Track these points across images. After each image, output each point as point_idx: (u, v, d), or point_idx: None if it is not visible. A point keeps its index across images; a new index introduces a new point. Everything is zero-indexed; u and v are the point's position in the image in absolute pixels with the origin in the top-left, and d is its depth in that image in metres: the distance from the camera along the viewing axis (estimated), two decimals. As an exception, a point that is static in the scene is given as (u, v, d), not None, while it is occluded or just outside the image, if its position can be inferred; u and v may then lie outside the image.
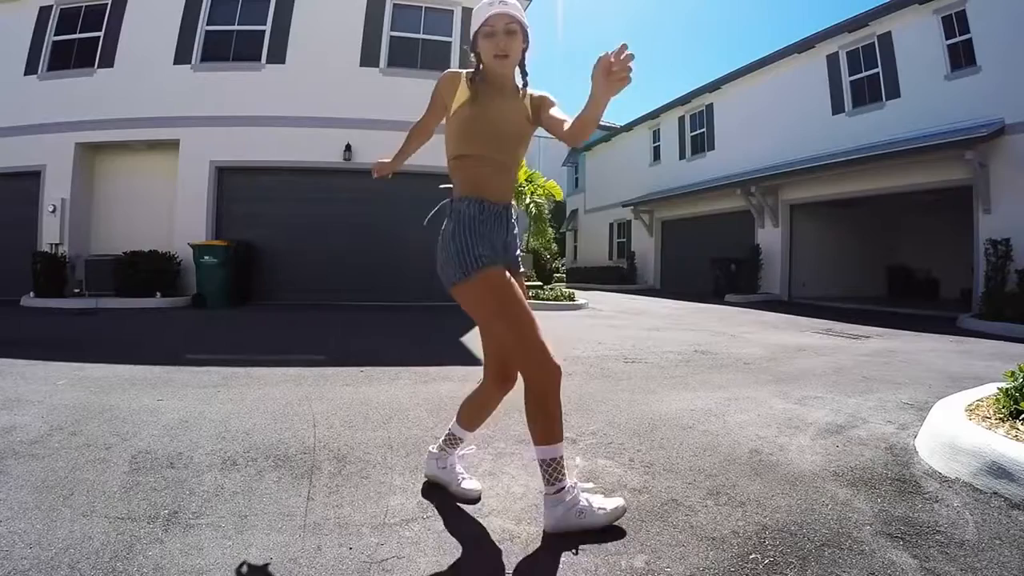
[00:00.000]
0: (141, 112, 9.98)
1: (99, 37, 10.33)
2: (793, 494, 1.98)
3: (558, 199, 18.43)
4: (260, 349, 5.22)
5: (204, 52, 10.33)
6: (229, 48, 10.43)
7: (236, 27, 10.44)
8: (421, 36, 10.88)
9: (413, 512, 1.81)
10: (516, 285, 1.78)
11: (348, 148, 10.29)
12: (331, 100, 10.33)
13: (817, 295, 13.55)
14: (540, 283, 13.78)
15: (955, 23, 10.48)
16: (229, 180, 10.41)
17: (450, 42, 10.76)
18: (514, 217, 1.89)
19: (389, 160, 2.10)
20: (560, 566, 1.50)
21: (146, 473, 2.06)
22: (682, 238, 18.34)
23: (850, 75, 12.82)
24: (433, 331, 6.75)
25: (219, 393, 3.34)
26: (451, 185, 1.85)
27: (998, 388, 2.56)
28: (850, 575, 1.45)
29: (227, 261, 9.25)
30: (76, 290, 9.67)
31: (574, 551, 1.57)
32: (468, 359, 4.79)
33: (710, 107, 17.54)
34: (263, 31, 10.42)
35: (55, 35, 10.45)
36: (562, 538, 1.64)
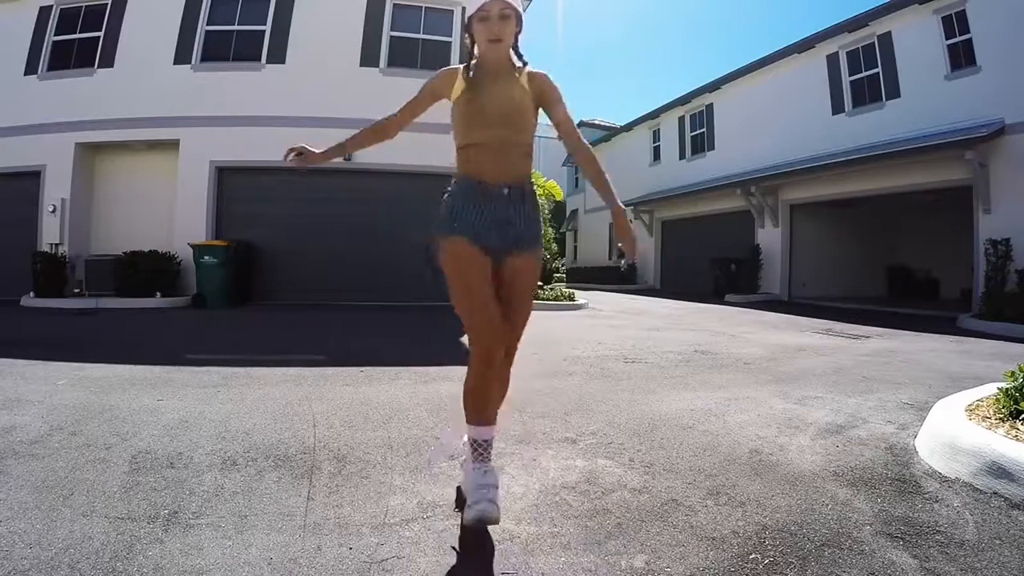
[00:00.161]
0: (141, 112, 9.97)
1: (99, 37, 10.33)
2: (793, 494, 1.98)
3: (558, 199, 18.45)
4: (260, 349, 5.22)
5: (204, 52, 10.33)
6: (229, 48, 10.43)
7: (236, 27, 10.44)
8: (421, 36, 10.88)
9: (413, 512, 1.81)
10: (472, 260, 1.76)
11: (348, 148, 10.28)
12: (331, 100, 10.31)
13: (817, 295, 13.55)
14: (540, 283, 13.77)
15: (955, 23, 10.48)
16: (229, 180, 10.40)
17: (450, 42, 10.75)
18: (526, 195, 1.85)
19: (319, 151, 1.98)
20: (560, 566, 1.50)
21: (146, 473, 2.06)
22: (682, 238, 18.34)
23: (850, 75, 12.82)
24: (433, 331, 6.75)
25: (219, 393, 3.34)
26: None
27: (998, 388, 2.56)
28: (850, 575, 1.45)
29: (227, 261, 9.25)
30: (76, 290, 9.67)
31: (574, 551, 1.57)
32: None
33: (710, 107, 17.54)
34: (263, 31, 10.42)
35: (55, 35, 10.45)
36: (563, 539, 1.64)
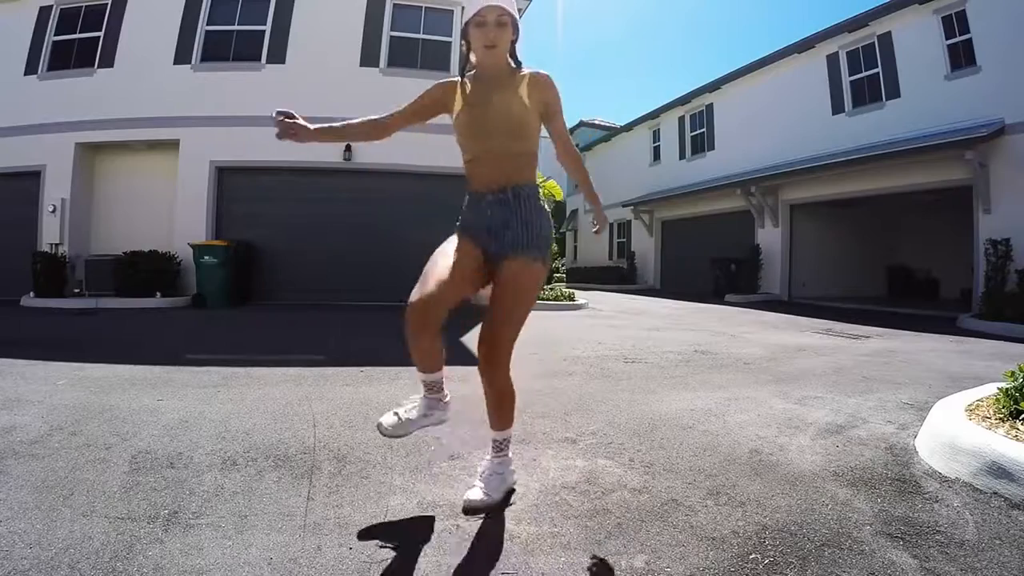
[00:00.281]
0: (141, 112, 9.97)
1: (99, 37, 10.32)
2: (793, 494, 1.98)
3: (558, 199, 18.43)
4: (260, 349, 5.22)
5: (204, 52, 10.33)
6: (229, 48, 10.43)
7: (236, 27, 10.44)
8: (421, 36, 10.89)
9: (413, 512, 1.81)
10: (459, 246, 1.84)
11: (348, 148, 10.29)
12: (331, 100, 10.29)
13: (817, 295, 13.56)
14: (540, 283, 13.77)
15: (955, 23, 10.48)
16: (229, 180, 10.40)
17: (450, 42, 10.76)
18: (522, 199, 1.82)
19: (313, 127, 1.98)
20: (560, 566, 1.50)
21: (146, 473, 2.06)
22: (682, 238, 18.34)
23: (850, 75, 12.82)
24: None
25: (219, 393, 3.34)
26: None
27: (998, 388, 2.56)
28: (850, 575, 1.45)
29: (227, 261, 9.25)
30: (76, 290, 9.67)
31: (574, 551, 1.57)
32: (469, 359, 4.78)
33: (710, 107, 17.54)
34: (263, 31, 10.42)
35: (55, 35, 10.45)
36: (563, 539, 1.64)
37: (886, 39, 11.84)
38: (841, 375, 4.25)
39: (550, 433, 2.69)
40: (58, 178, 10.11)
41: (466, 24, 1.81)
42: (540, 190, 1.93)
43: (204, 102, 10.06)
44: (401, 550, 1.56)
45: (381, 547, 1.58)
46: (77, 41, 10.43)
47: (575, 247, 26.88)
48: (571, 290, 12.66)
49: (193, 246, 9.30)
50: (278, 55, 10.40)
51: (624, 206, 20.40)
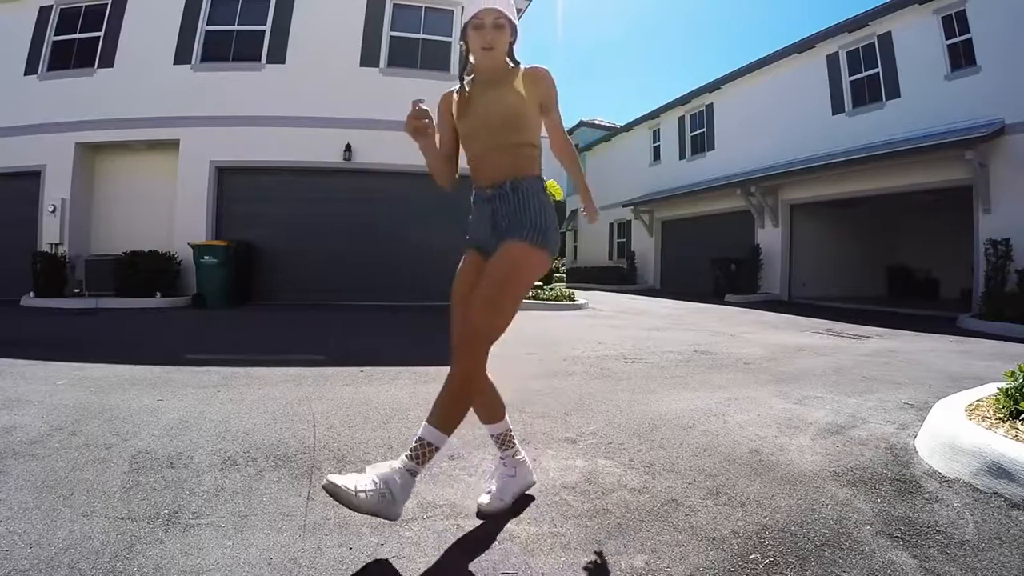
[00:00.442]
0: (141, 112, 9.98)
1: (99, 37, 10.33)
2: (793, 494, 1.98)
3: (558, 199, 18.43)
4: (260, 349, 5.22)
5: (204, 52, 10.33)
6: (229, 48, 10.44)
7: (236, 27, 10.45)
8: (421, 36, 10.89)
9: (413, 512, 1.81)
10: (463, 273, 1.85)
11: (348, 148, 10.29)
12: (331, 100, 10.33)
13: (817, 295, 13.56)
14: (540, 283, 13.77)
15: (955, 23, 10.48)
16: (229, 180, 10.41)
17: (450, 42, 10.75)
18: (519, 191, 1.78)
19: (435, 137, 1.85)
20: (560, 566, 1.50)
21: (146, 473, 2.06)
22: (682, 238, 18.34)
23: (850, 75, 12.82)
24: (433, 331, 6.75)
25: (219, 393, 3.34)
26: None
27: (998, 388, 2.56)
28: (850, 575, 1.45)
29: (227, 261, 9.25)
30: (76, 290, 9.67)
31: (574, 551, 1.57)
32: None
33: (710, 107, 17.55)
34: (263, 31, 10.43)
35: (55, 35, 10.45)
36: (563, 539, 1.64)
37: (886, 39, 11.85)
38: (841, 375, 4.25)
39: (550, 433, 2.69)
40: (58, 178, 10.11)
41: (464, 26, 1.81)
42: (544, 184, 1.88)
43: (204, 102, 10.07)
44: (401, 550, 1.56)
45: (381, 547, 1.58)
46: (77, 41, 10.43)
47: (575, 247, 26.86)
48: (571, 290, 12.66)
49: (193, 246, 9.30)
50: (278, 55, 10.40)
51: (624, 206, 20.39)
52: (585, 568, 1.49)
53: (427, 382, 3.77)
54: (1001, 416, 2.34)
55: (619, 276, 20.23)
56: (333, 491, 1.49)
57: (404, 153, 9.42)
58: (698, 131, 18.21)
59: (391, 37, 10.76)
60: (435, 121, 1.83)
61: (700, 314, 9.69)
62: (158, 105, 9.98)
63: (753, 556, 1.55)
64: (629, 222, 21.19)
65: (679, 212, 18.26)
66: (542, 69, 1.83)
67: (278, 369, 4.11)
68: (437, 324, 7.42)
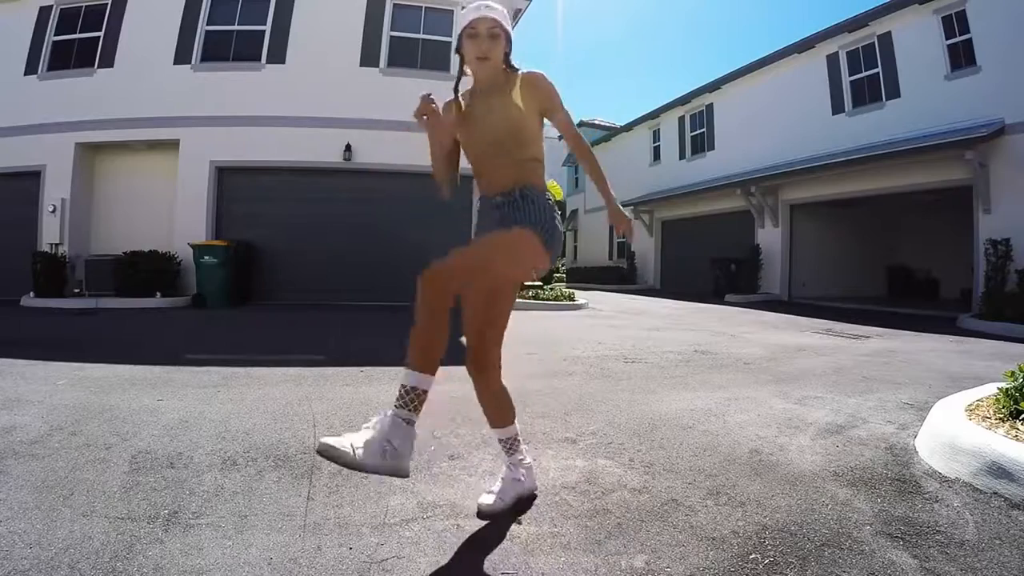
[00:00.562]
0: (141, 112, 9.97)
1: (99, 37, 10.32)
2: (793, 494, 1.98)
3: (558, 199, 18.44)
4: (260, 349, 5.22)
5: (204, 52, 10.33)
6: (229, 48, 10.43)
7: (236, 27, 10.44)
8: (421, 36, 10.88)
9: (413, 512, 1.81)
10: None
11: (348, 148, 10.29)
12: (331, 100, 10.32)
13: (817, 295, 13.55)
14: (540, 283, 13.77)
15: (955, 23, 10.48)
16: (229, 180, 10.40)
17: (450, 42, 10.73)
18: (526, 198, 1.77)
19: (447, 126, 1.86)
20: (560, 566, 1.50)
21: (146, 473, 2.06)
22: (682, 238, 18.34)
23: (850, 75, 12.82)
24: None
25: (219, 393, 3.34)
26: None
27: (998, 388, 2.56)
28: (850, 575, 1.45)
29: (227, 261, 9.25)
30: (76, 290, 9.67)
31: (574, 551, 1.57)
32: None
33: (710, 107, 17.54)
34: (263, 31, 10.42)
35: (55, 35, 10.44)
36: (563, 539, 1.64)
37: (886, 39, 11.84)
38: (841, 375, 4.25)
39: (550, 433, 2.69)
40: (58, 178, 10.11)
41: (460, 36, 1.80)
42: (550, 195, 1.86)
43: (204, 102, 10.06)
44: (401, 550, 1.56)
45: (381, 547, 1.58)
46: (77, 41, 10.42)
47: (575, 247, 26.86)
48: (571, 290, 12.66)
49: (193, 246, 9.30)
50: (278, 55, 10.40)
51: (624, 206, 19.81)
52: (585, 568, 1.49)
53: (427, 382, 3.77)
54: (1001, 416, 2.34)
55: (619, 276, 20.23)
56: (330, 453, 1.37)
57: (404, 153, 9.52)
58: (698, 131, 18.21)
59: (391, 37, 10.75)
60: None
61: (700, 314, 9.69)
62: (158, 105, 9.98)
63: (753, 556, 1.55)
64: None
65: (679, 212, 18.26)
66: (537, 74, 1.80)
67: (278, 369, 4.11)
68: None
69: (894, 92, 11.73)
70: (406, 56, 10.78)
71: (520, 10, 11.72)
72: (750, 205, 14.47)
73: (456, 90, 1.88)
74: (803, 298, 13.46)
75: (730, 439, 2.62)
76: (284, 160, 10.31)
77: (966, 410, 2.49)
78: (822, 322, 8.48)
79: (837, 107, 13.10)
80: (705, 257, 15.31)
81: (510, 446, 1.92)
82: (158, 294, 9.26)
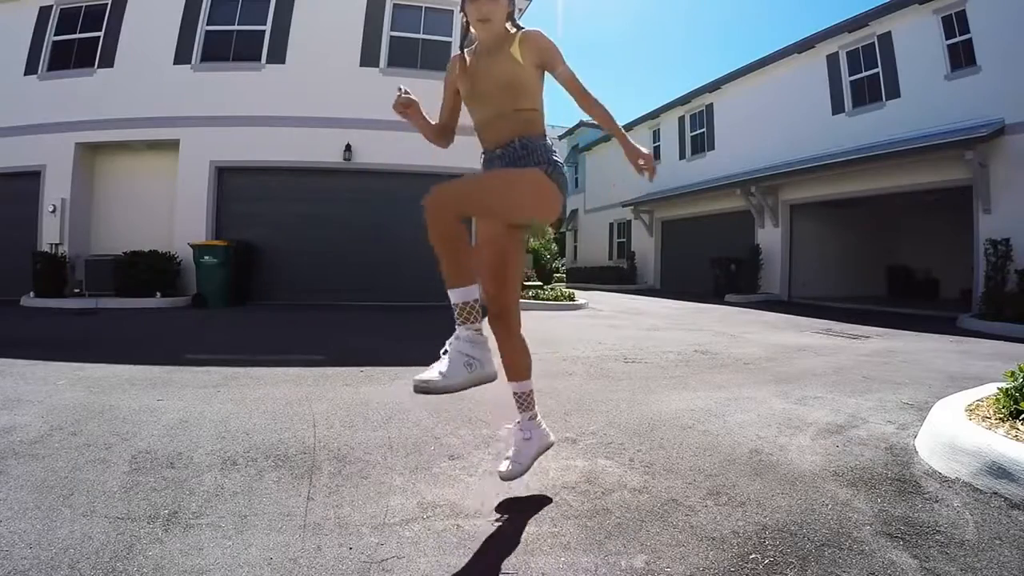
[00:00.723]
0: (141, 112, 9.98)
1: (99, 37, 10.33)
2: (793, 494, 1.98)
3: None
4: (260, 349, 5.22)
5: (204, 52, 10.34)
6: (229, 48, 10.44)
7: (236, 27, 10.45)
8: (421, 36, 10.89)
9: (413, 512, 1.81)
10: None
11: (348, 148, 10.29)
12: (331, 100, 10.33)
13: (817, 295, 13.55)
14: (540, 283, 13.78)
15: (955, 23, 10.47)
16: (229, 180, 10.41)
17: (450, 42, 10.75)
18: (528, 147, 1.84)
19: (421, 110, 1.98)
20: (560, 566, 1.50)
21: (146, 473, 2.06)
22: (682, 238, 18.34)
23: (850, 75, 12.81)
24: (433, 331, 6.75)
25: (219, 393, 3.34)
26: None
27: (998, 388, 2.56)
28: (850, 575, 1.45)
29: (227, 261, 9.25)
30: (76, 290, 9.67)
31: (574, 551, 1.57)
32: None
33: (710, 107, 17.54)
34: (263, 31, 10.43)
35: (55, 35, 10.45)
36: (563, 539, 1.64)
37: (886, 39, 11.84)
38: (841, 375, 4.25)
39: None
40: (58, 178, 10.11)
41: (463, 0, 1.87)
42: (551, 142, 1.90)
43: (204, 102, 10.07)
44: (401, 550, 1.56)
45: (381, 547, 1.58)
46: (77, 41, 10.43)
47: (575, 247, 26.87)
48: (571, 290, 12.66)
49: (193, 246, 9.31)
50: (278, 55, 10.40)
51: (624, 206, 20.39)
52: (585, 568, 1.49)
53: (427, 382, 3.77)
54: (1001, 416, 2.34)
55: (619, 276, 20.23)
56: (426, 388, 1.56)
57: (404, 153, 9.51)
58: (698, 131, 18.20)
59: (391, 37, 10.76)
60: (445, 81, 2.03)
61: (700, 314, 9.69)
62: (158, 105, 9.98)
63: (753, 556, 1.55)
64: (629, 222, 21.19)
65: (679, 212, 18.26)
66: (534, 31, 1.85)
67: (278, 369, 4.11)
68: (437, 324, 7.41)
69: (894, 92, 11.73)
70: (406, 56, 10.78)
71: (520, 10, 11.72)
72: (750, 205, 14.46)
73: (462, 47, 1.96)
74: (803, 298, 13.46)
75: (730, 439, 2.62)
76: (284, 160, 10.31)
77: (966, 410, 2.49)
78: (822, 322, 8.48)
79: (837, 107, 13.10)
80: (705, 257, 15.31)
81: (523, 401, 2.03)
82: (158, 294, 9.27)
